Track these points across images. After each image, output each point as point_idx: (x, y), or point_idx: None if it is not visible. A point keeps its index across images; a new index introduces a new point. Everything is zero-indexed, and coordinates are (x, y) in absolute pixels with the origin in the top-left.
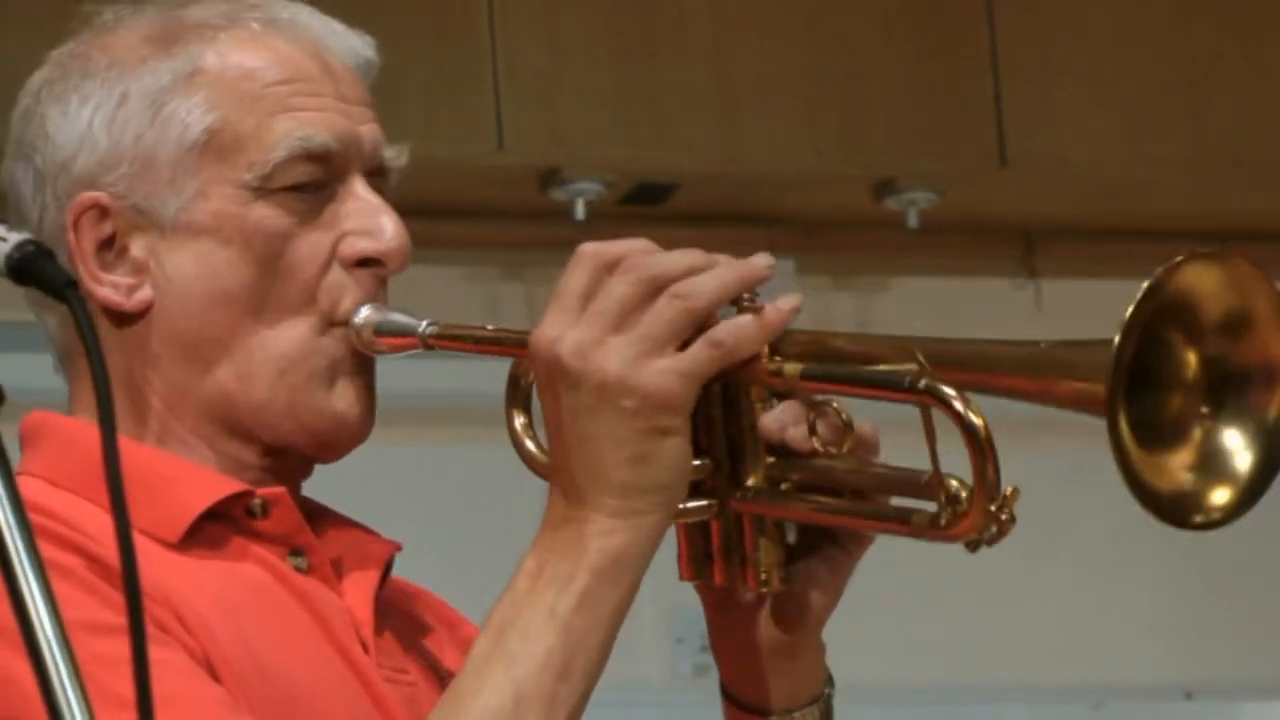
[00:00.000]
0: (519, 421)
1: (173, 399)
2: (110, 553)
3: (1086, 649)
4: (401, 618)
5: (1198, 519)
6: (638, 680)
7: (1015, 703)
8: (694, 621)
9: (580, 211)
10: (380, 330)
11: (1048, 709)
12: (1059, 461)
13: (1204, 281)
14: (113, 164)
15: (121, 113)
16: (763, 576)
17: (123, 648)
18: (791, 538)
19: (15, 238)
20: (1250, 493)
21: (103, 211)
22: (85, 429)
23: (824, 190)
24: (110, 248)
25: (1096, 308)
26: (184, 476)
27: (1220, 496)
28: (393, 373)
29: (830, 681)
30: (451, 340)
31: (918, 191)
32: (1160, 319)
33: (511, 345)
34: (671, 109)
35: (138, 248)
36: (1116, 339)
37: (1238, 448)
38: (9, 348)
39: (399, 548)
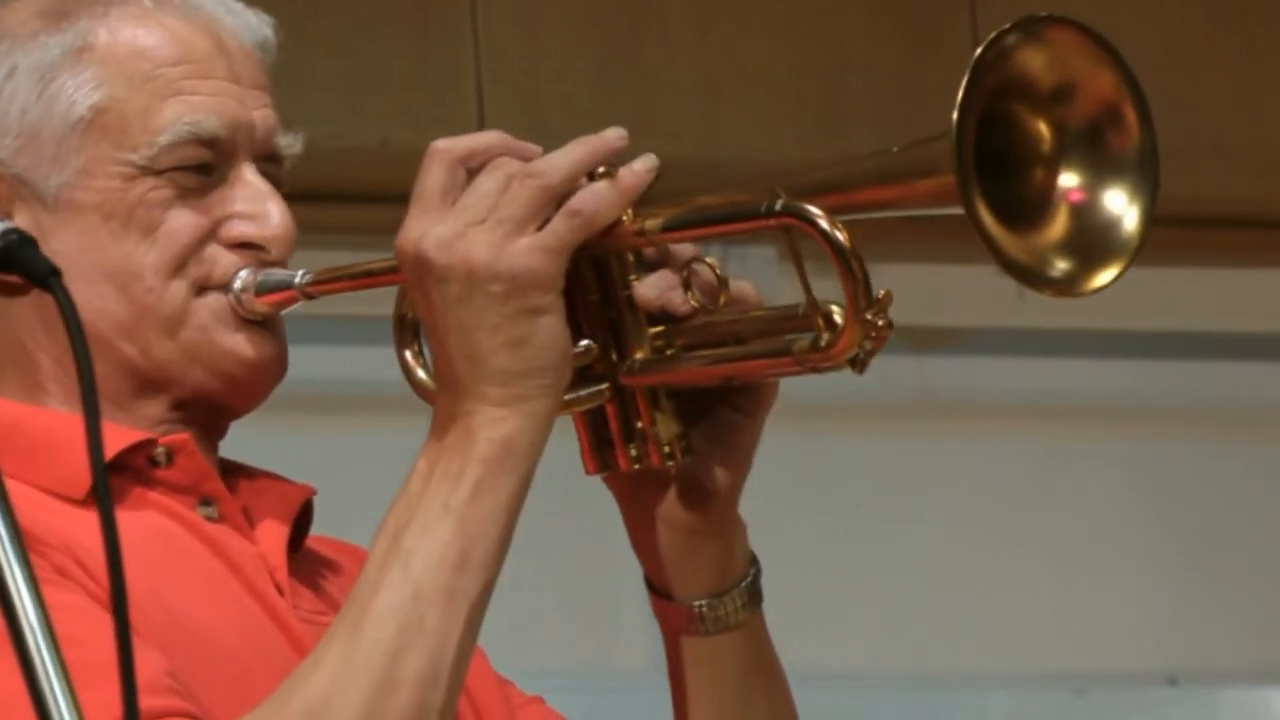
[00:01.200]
0: (409, 354)
1: (65, 363)
2: (21, 511)
3: (1069, 636)
4: (325, 565)
5: (1097, 284)
6: (619, 668)
7: (998, 690)
8: None
9: None
10: (259, 290)
11: (1031, 696)
12: (1040, 449)
13: (1032, 58)
14: None
15: (9, 86)
16: (666, 450)
17: (47, 594)
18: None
19: None
20: (1140, 246)
21: None
22: None
23: None
24: None
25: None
26: (83, 434)
27: (1106, 275)
28: (381, 362)
29: (755, 562)
30: (328, 284)
31: None
32: (1002, 98)
33: (385, 273)
34: (654, 97)
35: (22, 219)
36: (954, 120)
37: (1122, 206)
38: None
39: (314, 492)
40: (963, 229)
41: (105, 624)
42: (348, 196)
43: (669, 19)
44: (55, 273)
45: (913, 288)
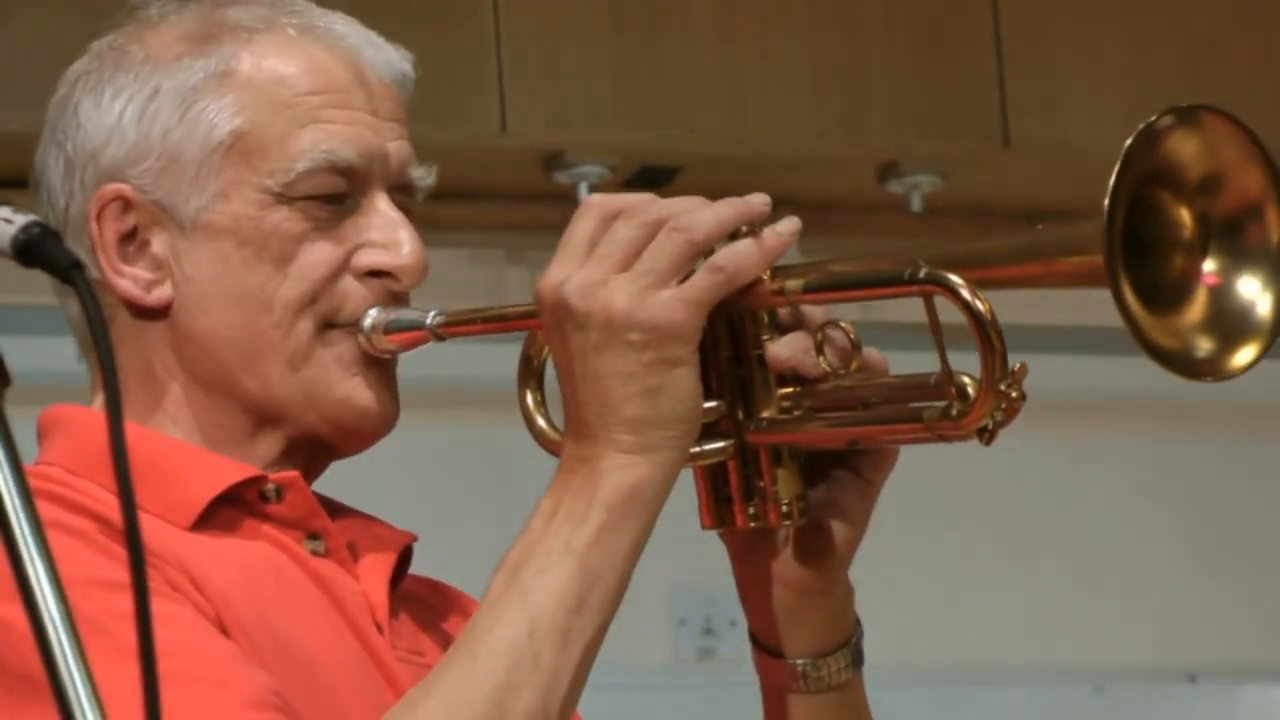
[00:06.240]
0: (531, 399)
1: (191, 391)
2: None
3: (1089, 632)
4: (420, 605)
5: (1235, 367)
6: (640, 663)
7: (1016, 686)
8: (697, 604)
9: (584, 194)
10: (390, 329)
11: (1049, 692)
12: (1061, 444)
13: (1183, 145)
14: (139, 157)
15: (152, 107)
16: (784, 509)
17: (157, 605)
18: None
19: (21, 219)
20: (1275, 333)
21: (126, 204)
22: (99, 417)
23: (827, 173)
24: (132, 240)
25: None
26: (198, 462)
27: (1246, 355)
28: (406, 358)
29: (859, 625)
30: (459, 325)
31: (921, 174)
32: (1148, 184)
33: (519, 318)
34: (675, 92)
35: (158, 243)
36: (1106, 205)
37: (1255, 293)
38: (16, 331)
39: (415, 538)
40: (978, 227)
41: (212, 638)
42: None
43: (688, 14)
44: (77, 265)
45: None
